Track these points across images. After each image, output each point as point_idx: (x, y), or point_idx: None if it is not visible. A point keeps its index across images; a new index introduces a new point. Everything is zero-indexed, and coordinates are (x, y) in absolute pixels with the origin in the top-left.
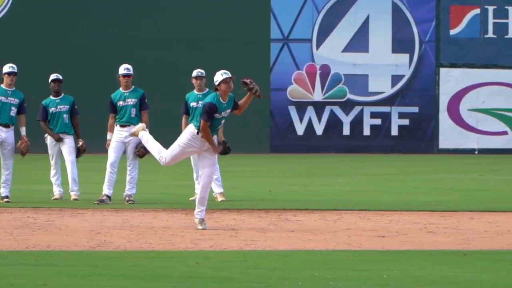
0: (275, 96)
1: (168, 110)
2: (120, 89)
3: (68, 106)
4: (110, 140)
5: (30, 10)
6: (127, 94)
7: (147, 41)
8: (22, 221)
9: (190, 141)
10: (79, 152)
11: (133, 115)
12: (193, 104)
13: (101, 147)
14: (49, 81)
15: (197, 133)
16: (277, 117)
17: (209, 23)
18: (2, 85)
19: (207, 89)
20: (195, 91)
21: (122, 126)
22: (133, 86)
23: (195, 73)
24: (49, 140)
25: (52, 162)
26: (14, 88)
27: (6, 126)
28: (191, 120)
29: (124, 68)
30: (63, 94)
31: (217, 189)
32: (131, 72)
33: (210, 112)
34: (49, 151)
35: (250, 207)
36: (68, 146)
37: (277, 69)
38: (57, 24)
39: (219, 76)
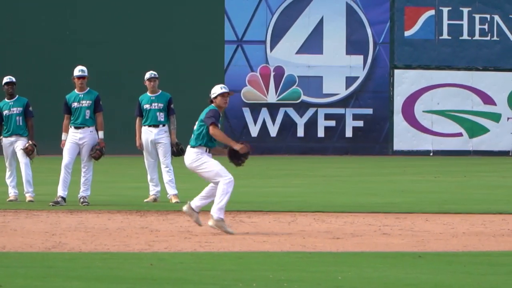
0: (230, 98)
1: (120, 111)
2: (75, 90)
3: (21, 108)
4: (65, 140)
5: None
6: (82, 95)
7: (100, 43)
8: None
9: (205, 158)
10: (27, 153)
11: (87, 117)
12: (146, 106)
13: (56, 149)
14: (3, 84)
15: (207, 150)
16: (231, 119)
17: (163, 24)
18: None
19: (160, 91)
20: (148, 93)
21: (76, 127)
22: (88, 88)
23: (148, 75)
24: (3, 141)
25: (7, 164)
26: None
27: None
28: (145, 123)
29: (78, 70)
30: (17, 96)
31: (171, 190)
32: (86, 74)
33: (216, 116)
34: (4, 153)
35: (204, 209)
36: (21, 148)
37: (231, 71)
38: (9, 24)
39: (218, 89)
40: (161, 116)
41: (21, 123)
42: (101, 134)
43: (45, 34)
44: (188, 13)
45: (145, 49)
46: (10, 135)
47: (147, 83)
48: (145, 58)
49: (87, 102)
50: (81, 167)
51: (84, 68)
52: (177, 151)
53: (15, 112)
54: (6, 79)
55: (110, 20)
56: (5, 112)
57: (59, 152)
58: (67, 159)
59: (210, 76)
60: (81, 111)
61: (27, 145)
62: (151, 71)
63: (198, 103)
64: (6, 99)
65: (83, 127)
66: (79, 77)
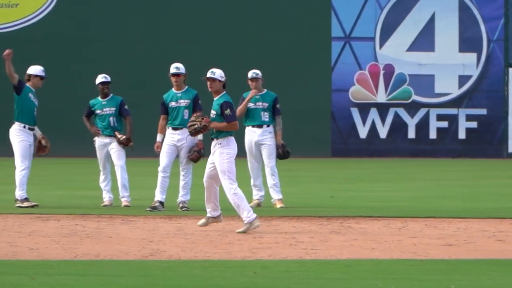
0: (336, 97)
1: None
2: (173, 89)
3: (115, 108)
4: (160, 142)
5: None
6: (180, 94)
7: (198, 40)
8: (70, 229)
9: (231, 151)
10: (124, 144)
11: (186, 117)
12: (251, 105)
13: (153, 151)
14: (97, 83)
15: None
16: (339, 120)
17: (266, 20)
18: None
19: (266, 90)
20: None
21: (174, 128)
22: (186, 87)
23: (250, 74)
24: (97, 143)
25: (101, 167)
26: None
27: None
28: (249, 122)
29: (174, 67)
30: (111, 95)
31: (276, 195)
32: (181, 71)
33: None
34: (98, 155)
35: (311, 214)
36: (117, 150)
37: (338, 69)
38: (102, 22)
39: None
40: (265, 116)
41: (115, 124)
42: (199, 135)
43: (137, 31)
44: (293, 9)
45: (247, 47)
46: (104, 136)
47: (249, 82)
48: (247, 56)
49: (186, 101)
50: (180, 170)
51: (179, 65)
52: (283, 154)
53: (107, 112)
54: (100, 78)
55: (207, 17)
56: (98, 112)
57: (156, 154)
58: (164, 162)
59: (316, 74)
60: (179, 111)
61: (122, 139)
62: (254, 70)
63: (304, 102)
64: (99, 98)
65: (182, 128)
66: (174, 75)
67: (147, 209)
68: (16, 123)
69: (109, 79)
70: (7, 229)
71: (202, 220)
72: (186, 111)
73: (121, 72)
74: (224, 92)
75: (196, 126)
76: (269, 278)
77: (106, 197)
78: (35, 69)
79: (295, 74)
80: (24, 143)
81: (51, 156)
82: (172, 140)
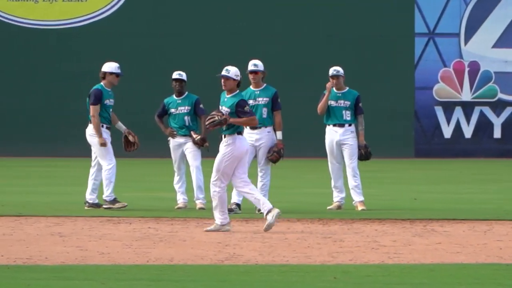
0: (420, 95)
1: (299, 109)
2: (251, 87)
3: (190, 107)
4: None
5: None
6: (258, 92)
7: (279, 36)
8: (142, 232)
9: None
10: (199, 144)
11: (264, 116)
12: (332, 103)
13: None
14: (171, 79)
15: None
16: (422, 119)
17: (348, 17)
18: None
19: (347, 88)
20: (334, 89)
21: (252, 128)
22: (265, 84)
23: (331, 71)
24: (172, 143)
25: (175, 168)
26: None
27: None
28: (330, 121)
29: (251, 64)
30: (186, 93)
31: (357, 197)
32: (259, 68)
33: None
34: (172, 156)
35: (393, 217)
36: (192, 150)
37: (422, 66)
38: (175, 17)
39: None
40: (347, 115)
41: (190, 123)
42: (279, 134)
43: (210, 26)
44: (375, 4)
45: (325, 43)
46: (179, 136)
47: (331, 80)
48: (326, 53)
49: (264, 99)
50: (258, 172)
51: (257, 62)
52: (365, 154)
53: (182, 111)
54: (175, 74)
55: (286, 12)
56: (172, 111)
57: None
58: None
59: (398, 72)
60: (257, 110)
61: (196, 139)
62: (335, 67)
63: (386, 101)
64: (174, 96)
65: (260, 127)
66: (251, 72)
67: None
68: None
69: (184, 76)
70: (77, 233)
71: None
72: (265, 109)
73: (198, 69)
74: (238, 90)
75: (216, 119)
76: (350, 283)
77: (180, 199)
78: (110, 66)
79: (376, 71)
80: (106, 141)
81: (121, 156)
82: (250, 139)
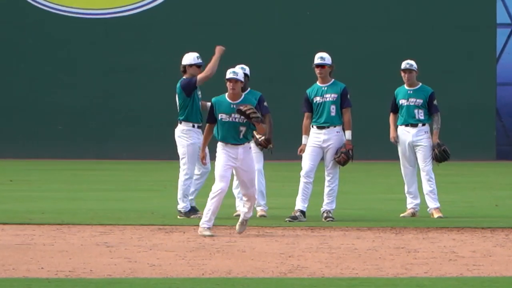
0: (502, 92)
1: (370, 107)
2: (317, 82)
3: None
4: (305, 144)
5: None
6: (325, 88)
7: (345, 27)
8: (198, 243)
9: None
10: (263, 146)
11: (333, 114)
12: (402, 101)
13: (293, 154)
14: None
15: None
16: (504, 117)
17: (422, 5)
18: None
19: (420, 84)
20: (405, 86)
21: (319, 127)
22: (333, 79)
23: (404, 65)
24: None
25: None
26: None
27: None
28: (400, 122)
29: (318, 57)
30: (248, 89)
31: (432, 203)
32: (326, 61)
33: None
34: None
35: (473, 225)
36: (254, 152)
37: (505, 60)
38: (235, 6)
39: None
40: (420, 114)
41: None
42: (348, 134)
43: (275, 17)
44: None
45: (397, 34)
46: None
47: (402, 73)
48: (398, 45)
49: (332, 95)
50: (325, 176)
51: (324, 54)
52: (440, 154)
53: None
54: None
55: (353, 1)
56: None
57: (297, 157)
58: (308, 165)
59: (478, 66)
60: (325, 107)
61: (260, 139)
62: (408, 60)
63: (464, 98)
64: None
65: (328, 127)
66: (318, 66)
67: (287, 219)
68: (183, 123)
69: (247, 70)
70: (125, 243)
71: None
72: (333, 106)
73: (259, 64)
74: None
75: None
76: None
77: (240, 205)
78: (189, 58)
79: (453, 66)
80: (194, 147)
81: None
82: (317, 140)
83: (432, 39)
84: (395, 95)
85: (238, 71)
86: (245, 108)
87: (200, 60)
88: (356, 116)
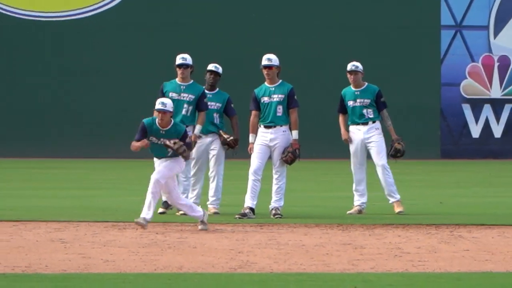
0: (446, 92)
1: (320, 109)
2: (265, 83)
3: (220, 104)
4: (253, 143)
5: None
6: (273, 89)
7: (293, 29)
8: (150, 239)
9: None
10: (228, 145)
11: (279, 114)
12: (350, 103)
13: (243, 151)
14: (207, 70)
15: None
16: (449, 117)
17: (369, 7)
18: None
19: (366, 84)
20: (352, 87)
21: (266, 127)
22: (280, 80)
23: (349, 66)
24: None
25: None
26: (191, 82)
27: None
28: (350, 121)
29: (265, 59)
30: (217, 90)
31: (392, 198)
32: (273, 63)
33: None
34: (195, 154)
35: (418, 222)
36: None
37: (448, 61)
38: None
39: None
40: (369, 113)
41: (217, 121)
42: (295, 134)
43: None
44: None
45: (343, 35)
46: (206, 134)
47: (348, 75)
48: (343, 46)
49: (279, 96)
50: (273, 174)
51: (272, 56)
52: (402, 148)
53: (213, 107)
54: (211, 66)
55: (297, 3)
56: None
57: (245, 155)
58: (256, 163)
59: (423, 67)
60: (271, 107)
61: (229, 139)
62: (353, 62)
63: (410, 98)
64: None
65: (274, 126)
66: (266, 67)
67: (236, 216)
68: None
69: (219, 69)
70: (79, 239)
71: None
72: (280, 107)
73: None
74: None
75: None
76: None
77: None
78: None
79: (399, 66)
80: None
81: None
82: (264, 139)
83: (378, 40)
84: (342, 96)
85: (167, 101)
86: (173, 146)
87: (181, 61)
88: (302, 115)
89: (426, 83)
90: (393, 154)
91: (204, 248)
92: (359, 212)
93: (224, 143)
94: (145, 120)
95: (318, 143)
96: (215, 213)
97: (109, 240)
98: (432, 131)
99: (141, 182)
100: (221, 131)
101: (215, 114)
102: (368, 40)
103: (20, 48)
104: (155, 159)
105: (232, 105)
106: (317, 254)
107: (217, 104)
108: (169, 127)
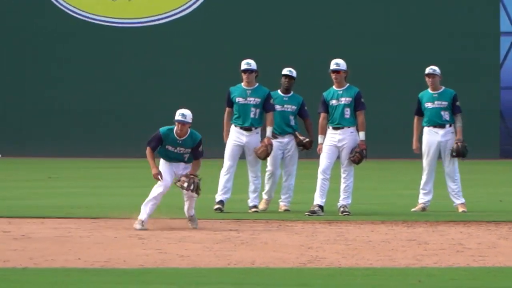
0: (506, 95)
1: (393, 109)
2: (333, 86)
3: (295, 107)
4: (322, 144)
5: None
6: (341, 92)
7: (368, 35)
8: (224, 235)
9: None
10: (303, 146)
11: (347, 116)
12: (428, 104)
13: (312, 152)
14: (282, 73)
15: None
16: (508, 119)
17: (431, 15)
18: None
19: (443, 87)
20: (429, 90)
21: (335, 128)
22: (347, 84)
23: (427, 70)
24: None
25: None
26: (256, 85)
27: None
28: (426, 123)
29: (333, 63)
30: (292, 93)
31: (457, 200)
32: (341, 67)
33: None
34: (272, 155)
35: (478, 219)
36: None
37: (508, 66)
38: (251, 16)
39: None
40: (446, 115)
41: (293, 122)
42: (362, 135)
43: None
44: (458, 2)
45: (403, 41)
46: (281, 134)
47: (426, 78)
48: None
49: (347, 99)
50: (341, 173)
51: (340, 61)
52: (462, 149)
53: (288, 110)
54: (285, 71)
55: (360, 9)
56: (278, 107)
57: (317, 155)
58: (324, 163)
59: (483, 71)
60: (339, 110)
61: (305, 141)
62: (432, 66)
63: (471, 101)
64: (280, 92)
65: (342, 128)
66: (334, 71)
67: (306, 213)
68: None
69: (293, 73)
70: (156, 235)
71: None
72: (347, 109)
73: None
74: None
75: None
76: (435, 286)
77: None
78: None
79: (460, 71)
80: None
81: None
82: (332, 140)
83: (440, 47)
84: (419, 99)
85: (187, 113)
86: (183, 185)
87: (245, 66)
88: (369, 117)
89: (486, 87)
90: (458, 153)
91: (275, 244)
92: (423, 209)
93: (299, 144)
94: (161, 130)
95: (384, 143)
96: (285, 210)
97: (184, 236)
98: (491, 132)
99: (212, 180)
100: (296, 133)
101: (290, 116)
102: (434, 47)
103: (106, 52)
104: (163, 160)
105: (306, 108)
106: (383, 249)
107: (292, 107)
108: (186, 136)
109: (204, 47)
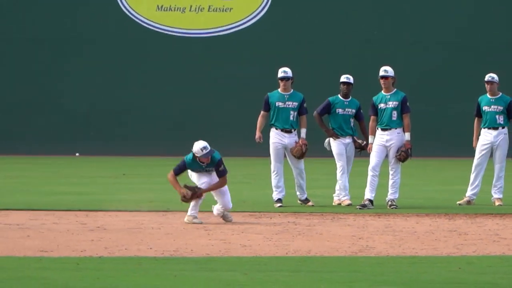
0: None
1: (427, 111)
2: (382, 91)
3: (355, 111)
4: (372, 143)
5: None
6: (389, 96)
7: (418, 43)
8: (282, 226)
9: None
10: (362, 149)
11: (394, 118)
12: (485, 108)
13: (364, 152)
14: (340, 81)
15: None
16: None
17: (478, 27)
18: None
19: (500, 94)
20: (488, 95)
21: (383, 129)
22: (395, 89)
23: (487, 77)
24: (336, 143)
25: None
26: (292, 91)
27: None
28: (485, 125)
29: (382, 70)
30: (351, 98)
31: (496, 194)
32: (389, 74)
33: None
34: (339, 153)
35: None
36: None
37: None
38: (313, 25)
39: None
40: (500, 119)
41: (353, 124)
42: (407, 135)
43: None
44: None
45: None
46: (342, 136)
47: (486, 85)
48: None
49: (394, 103)
50: (389, 170)
51: (388, 68)
52: None
53: (349, 113)
54: (343, 78)
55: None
56: (339, 111)
57: (367, 154)
58: (374, 161)
59: None
60: (387, 112)
61: (363, 144)
62: (490, 74)
63: None
64: (340, 96)
65: (390, 129)
66: (382, 77)
67: (357, 207)
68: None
69: (351, 80)
70: (220, 227)
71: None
72: (395, 112)
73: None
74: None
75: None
76: (474, 273)
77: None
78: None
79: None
80: (272, 146)
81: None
82: (381, 140)
83: (487, 56)
84: (478, 102)
85: (207, 145)
86: (191, 197)
87: (282, 74)
88: (415, 119)
89: None
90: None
91: (329, 235)
92: (468, 203)
93: (359, 147)
94: (186, 159)
95: (428, 143)
96: (348, 204)
97: (246, 227)
98: None
99: (264, 177)
100: (355, 137)
101: (351, 119)
102: (481, 56)
103: (169, 60)
104: (191, 172)
105: (362, 111)
106: (427, 239)
107: (352, 110)
108: (209, 162)
109: (265, 55)
